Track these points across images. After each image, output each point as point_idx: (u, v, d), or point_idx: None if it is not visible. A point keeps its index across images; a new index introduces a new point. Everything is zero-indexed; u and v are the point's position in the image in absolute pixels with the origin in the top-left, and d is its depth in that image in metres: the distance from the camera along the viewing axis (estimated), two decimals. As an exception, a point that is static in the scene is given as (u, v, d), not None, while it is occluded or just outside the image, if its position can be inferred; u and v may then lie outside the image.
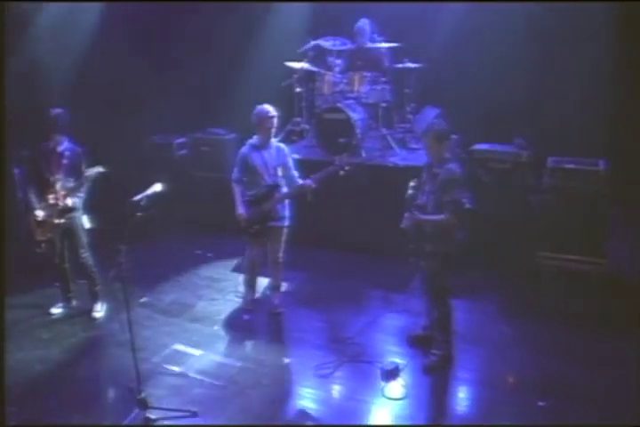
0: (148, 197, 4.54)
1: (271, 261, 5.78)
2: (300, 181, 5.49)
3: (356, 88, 7.35)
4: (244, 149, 5.54)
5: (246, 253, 5.80)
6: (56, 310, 6.07)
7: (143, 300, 6.18)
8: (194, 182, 8.22)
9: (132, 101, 8.07)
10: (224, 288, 6.42)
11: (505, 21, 6.99)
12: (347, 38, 7.68)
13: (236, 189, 5.55)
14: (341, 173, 5.35)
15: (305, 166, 5.79)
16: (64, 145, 5.66)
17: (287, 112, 7.88)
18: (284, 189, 5.58)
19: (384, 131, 7.44)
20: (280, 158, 5.53)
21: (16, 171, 7.65)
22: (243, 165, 5.51)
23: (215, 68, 8.41)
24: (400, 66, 7.44)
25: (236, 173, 5.56)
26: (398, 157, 7.16)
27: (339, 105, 7.17)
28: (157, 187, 4.64)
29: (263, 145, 5.51)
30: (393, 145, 7.36)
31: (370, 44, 7.53)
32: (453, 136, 6.74)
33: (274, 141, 5.60)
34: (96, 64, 7.84)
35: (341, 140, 7.09)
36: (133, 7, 7.90)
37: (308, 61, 7.76)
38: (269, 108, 5.44)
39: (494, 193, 6.44)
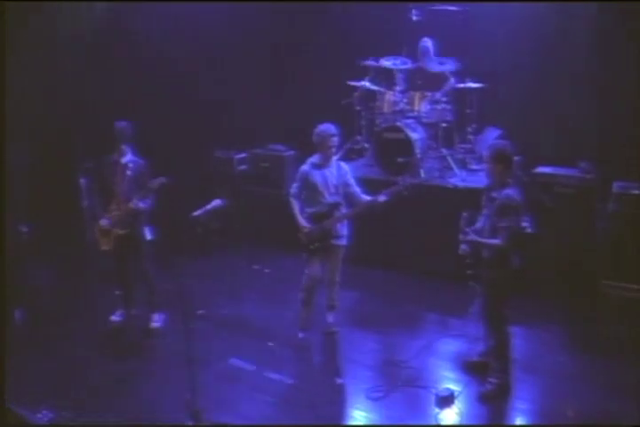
0: (207, 212, 4.51)
1: (328, 280, 5.76)
2: (366, 197, 5.49)
3: (416, 107, 7.35)
4: (305, 167, 5.59)
5: (305, 270, 5.80)
6: (116, 318, 6.23)
7: (200, 312, 6.17)
8: (253, 198, 8.25)
9: (196, 114, 8.24)
10: (280, 304, 6.44)
11: (571, 39, 6.88)
12: (408, 57, 7.71)
13: (295, 204, 5.59)
14: (404, 193, 5.36)
15: (363, 185, 5.80)
16: (128, 157, 5.79)
17: (347, 130, 7.82)
18: (344, 208, 5.61)
19: (444, 151, 7.40)
20: (341, 177, 5.55)
21: (82, 181, 7.97)
22: (302, 183, 5.56)
23: (276, 83, 8.51)
24: (462, 86, 7.40)
25: (294, 189, 5.61)
26: (458, 179, 7.11)
27: (398, 124, 7.17)
28: (217, 203, 4.62)
29: (324, 163, 5.55)
30: (453, 166, 7.30)
31: (431, 64, 7.53)
32: (516, 158, 6.71)
33: (334, 160, 5.63)
34: (160, 77, 8.04)
35: (400, 159, 7.09)
36: (201, 25, 8.08)
37: (369, 80, 7.78)
38: (331, 127, 5.47)
39: (557, 218, 6.32)
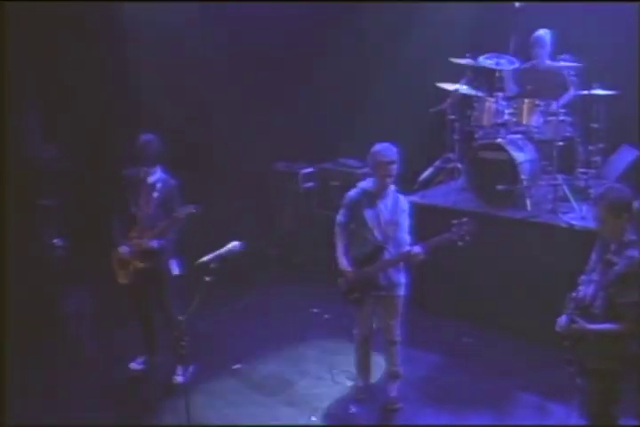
0: (221, 257, 4.42)
1: (385, 340, 5.47)
2: (408, 248, 5.16)
3: (524, 120, 6.84)
4: (354, 194, 5.35)
5: (354, 327, 5.54)
6: (135, 367, 6.11)
7: (236, 367, 6.11)
8: (318, 222, 8.01)
9: (256, 120, 8.29)
10: (335, 364, 6.14)
11: None
12: (515, 56, 7.20)
13: (341, 236, 5.35)
14: (460, 243, 4.99)
15: (451, 217, 5.42)
16: (156, 175, 5.73)
17: (437, 145, 7.90)
18: (392, 252, 5.29)
19: (559, 178, 6.79)
20: (396, 213, 5.25)
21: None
22: (350, 212, 5.32)
23: (351, 85, 8.37)
24: (586, 93, 6.79)
25: (341, 217, 5.37)
26: (575, 215, 6.50)
27: (499, 141, 6.73)
28: (234, 245, 4.54)
29: (378, 193, 5.27)
30: (570, 197, 6.68)
31: (549, 63, 7.01)
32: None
33: (392, 188, 5.32)
34: (216, 78, 8.16)
35: (500, 186, 6.61)
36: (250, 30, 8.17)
37: (466, 83, 7.42)
38: (389, 151, 5.16)
39: None
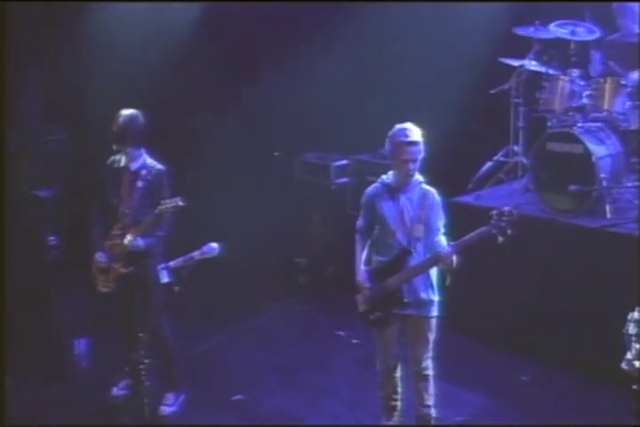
0: (191, 261, 4.41)
1: (412, 373, 5.17)
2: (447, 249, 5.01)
3: (606, 104, 6.60)
4: (372, 190, 5.20)
5: (377, 356, 5.32)
6: (118, 392, 5.98)
7: (236, 398, 5.95)
8: (354, 226, 7.83)
9: (285, 103, 8.30)
10: (357, 399, 5.96)
11: None
12: (595, 24, 6.95)
13: (361, 244, 5.21)
14: (500, 239, 4.74)
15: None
16: (140, 161, 5.62)
17: (498, 135, 7.71)
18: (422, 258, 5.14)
19: None
20: (422, 209, 5.01)
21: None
22: (369, 213, 5.19)
23: (394, 60, 8.16)
24: None
25: (361, 221, 5.25)
26: None
27: (574, 130, 6.47)
28: (210, 248, 4.51)
29: (400, 186, 5.07)
30: None
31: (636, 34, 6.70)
32: None
33: (418, 180, 5.10)
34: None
35: (573, 187, 6.31)
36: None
37: (534, 57, 7.19)
38: (409, 131, 4.95)
39: None
